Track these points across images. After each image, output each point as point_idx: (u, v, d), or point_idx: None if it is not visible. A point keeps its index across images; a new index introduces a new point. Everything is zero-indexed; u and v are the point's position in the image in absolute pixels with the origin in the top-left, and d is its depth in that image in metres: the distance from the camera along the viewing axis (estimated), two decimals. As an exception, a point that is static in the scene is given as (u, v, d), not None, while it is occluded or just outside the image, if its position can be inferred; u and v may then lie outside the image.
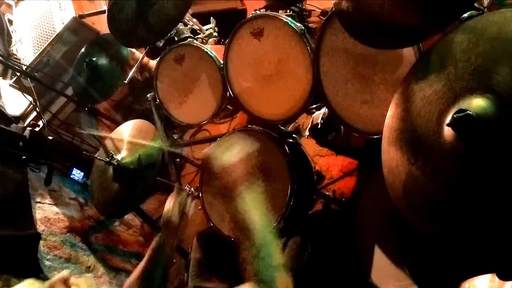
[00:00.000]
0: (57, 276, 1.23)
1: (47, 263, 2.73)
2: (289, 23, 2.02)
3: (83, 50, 3.04)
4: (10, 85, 3.09)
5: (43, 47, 3.07)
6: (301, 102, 2.11)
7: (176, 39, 2.65)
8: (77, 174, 2.96)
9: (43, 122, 3.02)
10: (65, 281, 1.23)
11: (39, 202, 2.96)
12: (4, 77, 3.31)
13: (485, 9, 1.44)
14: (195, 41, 2.60)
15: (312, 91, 2.05)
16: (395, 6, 1.32)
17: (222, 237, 2.22)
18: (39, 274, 2.63)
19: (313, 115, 2.40)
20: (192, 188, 2.63)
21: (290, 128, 2.65)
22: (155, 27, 2.36)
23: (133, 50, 3.13)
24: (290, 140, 2.36)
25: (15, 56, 3.25)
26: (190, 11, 2.81)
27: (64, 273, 1.26)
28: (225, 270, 2.22)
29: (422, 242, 1.55)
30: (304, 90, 2.07)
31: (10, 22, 3.45)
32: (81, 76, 2.99)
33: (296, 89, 2.10)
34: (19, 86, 3.09)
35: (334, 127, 2.32)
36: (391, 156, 1.31)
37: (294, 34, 2.03)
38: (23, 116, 3.20)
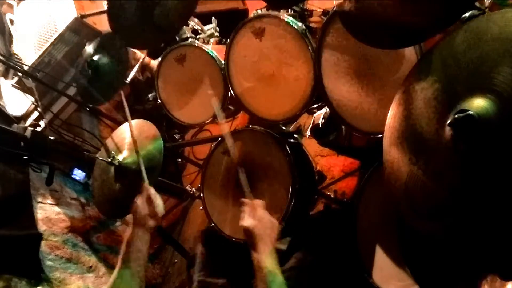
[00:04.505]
0: None
1: (48, 263, 2.74)
2: (291, 23, 2.03)
3: (84, 49, 3.04)
4: (12, 85, 3.09)
5: (44, 47, 3.06)
6: (302, 102, 2.11)
7: (177, 39, 2.65)
8: (78, 174, 2.96)
9: (44, 122, 3.02)
10: None
11: (41, 202, 2.96)
12: (6, 77, 3.31)
13: (486, 9, 1.44)
14: (196, 41, 2.60)
15: (313, 91, 2.05)
16: (397, 6, 1.32)
17: (224, 237, 2.22)
18: (40, 274, 2.64)
19: (315, 115, 2.41)
20: (194, 188, 2.64)
21: (291, 128, 2.66)
22: (162, 27, 2.35)
23: (135, 50, 3.13)
24: (292, 140, 2.36)
25: (16, 56, 3.25)
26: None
27: None
28: (227, 268, 2.23)
29: (423, 242, 1.55)
30: (305, 90, 2.07)
31: (12, 22, 3.45)
32: (82, 76, 2.99)
33: (297, 89, 2.10)
34: (21, 86, 3.09)
35: (336, 127, 2.32)
36: (392, 156, 1.31)
37: (295, 34, 2.03)
38: (25, 116, 3.20)
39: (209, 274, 2.26)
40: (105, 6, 2.77)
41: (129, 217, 1.72)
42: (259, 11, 2.25)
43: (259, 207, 1.58)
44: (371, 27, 1.46)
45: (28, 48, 3.24)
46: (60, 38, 3.06)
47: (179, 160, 3.72)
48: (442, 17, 1.24)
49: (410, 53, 1.66)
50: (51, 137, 2.73)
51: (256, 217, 1.55)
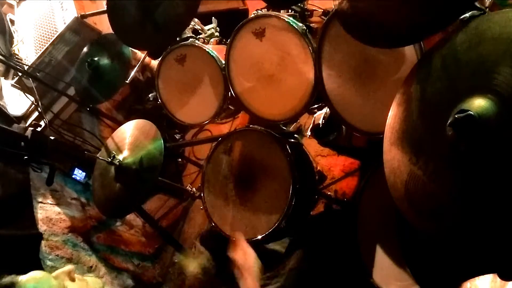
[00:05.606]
0: (62, 269, 1.29)
1: (49, 263, 2.73)
2: (291, 23, 2.03)
3: (85, 50, 3.05)
4: (12, 85, 3.10)
5: (45, 47, 3.07)
6: (303, 102, 2.11)
7: (177, 39, 2.65)
8: (79, 174, 2.96)
9: (44, 122, 3.02)
10: (69, 273, 1.29)
11: (41, 202, 2.96)
12: (6, 77, 3.31)
13: (487, 9, 1.44)
14: (196, 41, 2.60)
15: (313, 91, 2.05)
16: (395, 6, 1.32)
17: (224, 237, 2.22)
18: (41, 274, 2.63)
19: (315, 115, 2.40)
20: (194, 188, 2.64)
21: (291, 128, 2.66)
22: (164, 27, 2.34)
23: (135, 50, 3.13)
24: (292, 140, 2.36)
25: (17, 56, 3.25)
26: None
27: (69, 266, 1.32)
28: (226, 269, 2.23)
29: (423, 242, 1.55)
30: (306, 89, 2.07)
31: (12, 22, 3.45)
32: (83, 76, 3.00)
33: (298, 88, 2.10)
34: (21, 86, 3.09)
35: (336, 127, 2.32)
36: (392, 156, 1.31)
37: (295, 34, 2.03)
38: (25, 116, 3.20)
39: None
40: (105, 6, 2.77)
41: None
42: (259, 11, 2.25)
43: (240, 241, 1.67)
44: (370, 26, 1.45)
45: (28, 48, 3.25)
46: (61, 38, 3.06)
47: (180, 160, 3.72)
48: (440, 16, 1.24)
49: (410, 53, 1.66)
50: (51, 137, 2.73)
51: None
